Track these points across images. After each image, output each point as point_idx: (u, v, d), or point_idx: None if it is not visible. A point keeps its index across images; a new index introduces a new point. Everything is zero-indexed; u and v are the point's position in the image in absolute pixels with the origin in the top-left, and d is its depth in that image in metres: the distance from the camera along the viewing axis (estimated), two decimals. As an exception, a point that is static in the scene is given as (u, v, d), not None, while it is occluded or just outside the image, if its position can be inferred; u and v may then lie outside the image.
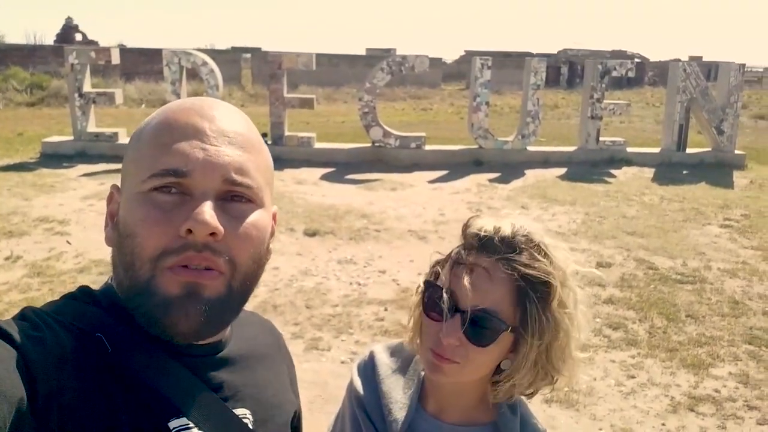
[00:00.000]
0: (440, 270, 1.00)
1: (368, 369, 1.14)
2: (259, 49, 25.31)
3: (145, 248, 0.69)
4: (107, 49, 10.93)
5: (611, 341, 4.36)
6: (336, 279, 5.33)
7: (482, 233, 0.96)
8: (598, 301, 5.01)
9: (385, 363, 1.14)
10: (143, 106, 18.54)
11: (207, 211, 0.68)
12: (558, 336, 0.95)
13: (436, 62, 28.89)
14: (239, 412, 0.79)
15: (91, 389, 0.66)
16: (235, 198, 0.73)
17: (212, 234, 0.68)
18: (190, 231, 0.68)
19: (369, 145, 10.84)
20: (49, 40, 31.36)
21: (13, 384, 0.60)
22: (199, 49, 13.37)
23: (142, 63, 21.22)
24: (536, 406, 3.55)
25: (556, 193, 8.69)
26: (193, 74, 11.04)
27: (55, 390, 0.63)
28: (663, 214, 7.74)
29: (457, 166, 10.37)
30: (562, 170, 10.28)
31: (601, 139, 11.24)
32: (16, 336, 0.64)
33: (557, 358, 0.97)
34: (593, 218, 7.47)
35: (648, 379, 3.88)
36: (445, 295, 0.94)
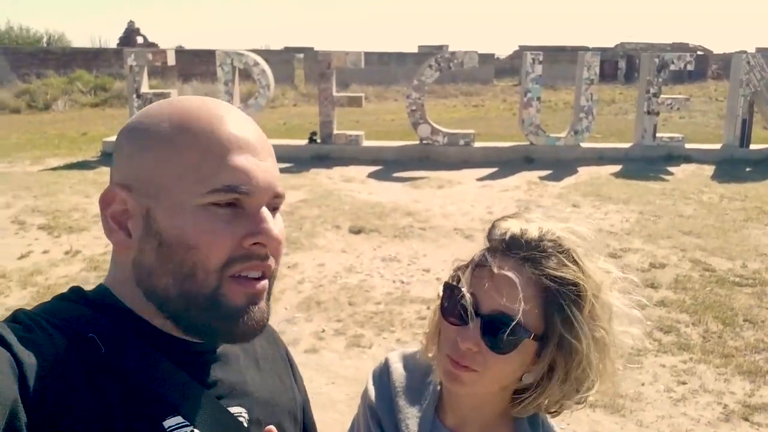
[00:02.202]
0: (461, 275, 0.94)
1: (383, 377, 1.11)
2: (312, 48, 25.59)
3: (211, 259, 0.71)
4: (163, 51, 11.28)
5: (662, 345, 4.20)
6: (380, 277, 5.33)
7: (508, 235, 0.91)
8: (650, 303, 4.84)
9: (400, 373, 1.09)
10: (199, 106, 19.02)
11: (273, 226, 0.73)
12: (588, 351, 0.88)
13: (488, 58, 28.58)
14: (234, 410, 0.79)
15: (85, 390, 0.67)
16: (269, 207, 0.76)
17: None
18: (258, 243, 0.72)
19: (417, 142, 10.80)
20: (113, 43, 32.64)
21: (6, 386, 0.60)
22: (254, 50, 13.62)
23: (198, 64, 21.81)
24: (579, 411, 3.47)
25: (610, 191, 8.44)
26: (246, 75, 11.25)
27: (48, 391, 0.64)
28: (723, 214, 7.41)
29: (507, 164, 10.21)
30: (617, 167, 9.98)
31: (658, 135, 10.85)
32: (9, 338, 0.65)
33: (586, 376, 0.89)
34: (648, 217, 7.22)
35: (700, 386, 3.72)
36: (467, 296, 0.89)
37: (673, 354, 4.10)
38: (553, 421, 1.04)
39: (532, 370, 0.92)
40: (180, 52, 20.22)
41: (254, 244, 0.72)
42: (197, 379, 0.76)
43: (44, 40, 37.04)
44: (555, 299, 0.87)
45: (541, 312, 0.88)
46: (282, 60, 25.15)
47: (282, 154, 10.44)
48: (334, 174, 9.35)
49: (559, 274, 0.87)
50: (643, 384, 3.72)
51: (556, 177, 9.38)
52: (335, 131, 10.75)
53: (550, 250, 0.89)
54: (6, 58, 23.29)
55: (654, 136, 10.80)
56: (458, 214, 7.33)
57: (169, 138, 0.73)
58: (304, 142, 10.93)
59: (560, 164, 10.16)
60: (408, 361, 1.11)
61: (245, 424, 0.80)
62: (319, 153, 10.55)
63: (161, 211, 0.72)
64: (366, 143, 10.83)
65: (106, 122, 15.76)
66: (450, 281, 0.96)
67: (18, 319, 0.70)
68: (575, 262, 0.89)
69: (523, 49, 26.82)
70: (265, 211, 0.73)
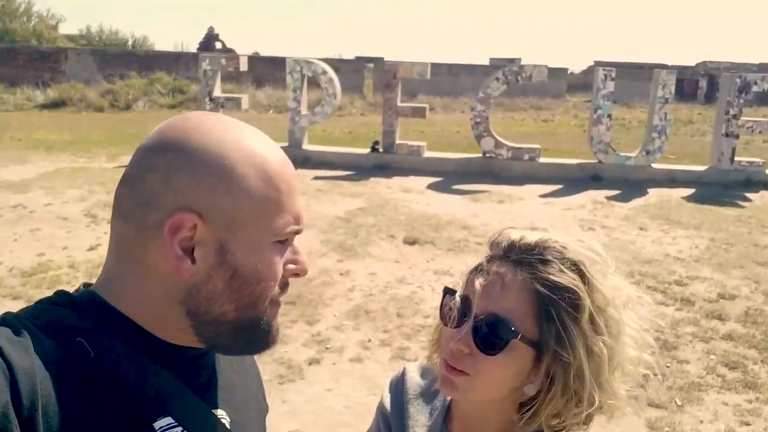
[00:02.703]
0: (456, 284, 0.96)
1: (399, 386, 1.13)
2: (382, 59, 25.82)
3: (271, 290, 0.78)
4: (236, 57, 11.64)
5: (725, 381, 3.95)
6: (431, 289, 5.27)
7: (506, 240, 0.92)
8: (715, 336, 4.57)
9: (415, 382, 1.11)
10: (271, 111, 19.55)
11: (306, 258, 0.81)
12: (581, 363, 0.86)
13: (560, 73, 27.99)
14: (217, 413, 0.81)
15: (75, 394, 0.67)
16: None
17: None
18: (296, 274, 0.81)
19: (480, 155, 10.67)
20: (194, 48, 34.00)
21: None
22: (327, 59, 13.86)
23: (272, 71, 22.36)
24: (628, 444, 3.30)
25: (680, 215, 8.06)
26: (315, 82, 11.45)
27: (38, 395, 0.64)
28: (804, 245, 6.93)
29: (573, 181, 9.94)
30: (690, 191, 9.53)
31: (736, 158, 10.29)
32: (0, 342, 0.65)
33: (583, 389, 0.87)
34: (719, 245, 6.83)
35: (765, 428, 3.46)
36: (457, 299, 0.91)
37: (738, 392, 3.84)
38: None
39: (533, 381, 0.91)
40: (254, 58, 20.82)
41: (293, 273, 0.81)
42: (185, 382, 0.77)
43: (130, 42, 39.05)
44: (548, 305, 0.86)
45: (534, 317, 0.87)
46: (353, 69, 25.49)
47: (344, 162, 10.58)
48: (394, 184, 9.35)
49: (553, 279, 0.87)
50: (701, 422, 3.51)
51: (623, 198, 9.04)
52: (397, 141, 10.76)
53: (549, 256, 0.89)
54: (94, 59, 24.69)
55: (732, 160, 10.25)
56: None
57: (243, 174, 0.74)
58: (367, 150, 11.00)
59: (629, 185, 9.80)
60: (425, 371, 1.13)
61: (228, 427, 0.81)
62: (380, 162, 10.59)
63: (238, 246, 0.75)
64: (427, 154, 10.79)
65: (180, 123, 16.36)
66: (446, 287, 0.98)
67: (6, 322, 0.70)
68: (580, 273, 0.88)
69: (599, 64, 26.13)
70: (298, 243, 0.81)
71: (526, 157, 10.54)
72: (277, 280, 0.78)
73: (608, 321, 0.88)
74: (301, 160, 10.63)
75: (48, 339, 0.69)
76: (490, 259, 0.93)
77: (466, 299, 0.91)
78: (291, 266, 0.80)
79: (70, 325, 0.72)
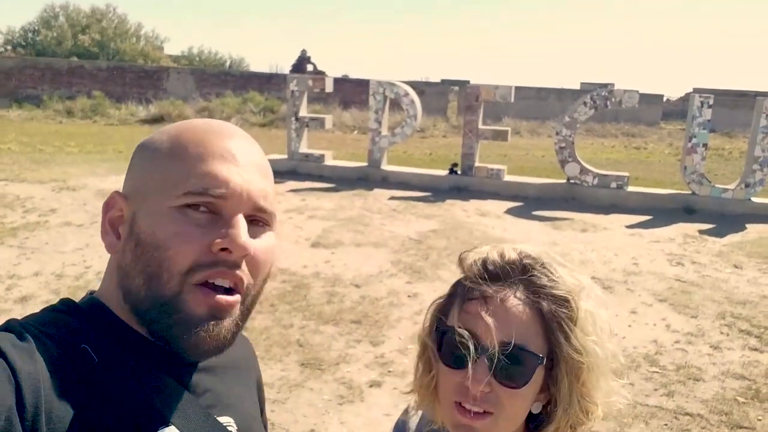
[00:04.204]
0: (444, 317, 0.88)
1: (401, 426, 1.09)
2: (468, 82, 25.77)
3: (176, 261, 0.72)
4: (323, 79, 11.92)
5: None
6: (501, 318, 5.09)
7: (488, 261, 0.87)
8: (818, 390, 4.11)
9: (417, 419, 1.06)
10: (355, 132, 19.89)
11: (244, 233, 0.73)
12: (589, 364, 0.84)
13: (655, 99, 26.88)
14: (223, 420, 0.80)
15: (78, 400, 0.68)
16: (254, 221, 0.77)
17: (245, 254, 0.74)
18: (225, 249, 0.72)
19: (563, 181, 10.33)
20: (287, 70, 35.31)
21: (2, 393, 0.61)
22: (412, 81, 13.97)
23: (358, 93, 22.81)
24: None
25: (782, 254, 7.42)
26: (397, 104, 11.53)
27: (42, 400, 0.65)
28: None
29: (663, 212, 9.40)
30: (795, 228, 8.78)
31: None
32: (3, 346, 0.66)
33: (594, 387, 0.85)
34: (827, 288, 6.22)
35: None
36: (464, 334, 0.82)
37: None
38: None
39: (538, 399, 0.87)
40: (341, 80, 21.37)
41: (222, 250, 0.72)
42: (188, 390, 0.77)
43: (227, 63, 41.13)
44: (553, 317, 0.83)
45: (543, 334, 0.84)
46: (438, 92, 25.59)
47: (421, 184, 10.54)
48: (470, 207, 9.19)
49: (550, 290, 0.84)
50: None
51: (718, 232, 8.45)
52: (476, 164, 10.61)
53: (537, 269, 0.86)
54: (193, 78, 26.13)
55: None
56: (599, 262, 6.83)
57: (162, 148, 0.77)
58: (445, 172, 10.92)
59: (725, 219, 9.15)
60: (427, 415, 1.06)
61: None
62: (458, 184, 10.47)
63: (143, 214, 0.74)
64: (507, 178, 10.56)
65: (269, 141, 16.92)
66: (436, 326, 0.89)
67: (11, 328, 0.71)
68: (558, 276, 0.86)
69: (697, 91, 24.88)
70: (239, 219, 0.73)
71: (614, 184, 10.09)
72: (186, 251, 0.71)
73: (586, 315, 0.86)
74: (379, 180, 10.70)
75: (52, 345, 0.70)
76: (477, 285, 0.85)
77: (468, 333, 0.82)
78: (218, 240, 0.72)
79: (73, 331, 0.73)
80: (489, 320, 0.81)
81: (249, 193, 0.75)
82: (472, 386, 0.81)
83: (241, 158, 0.76)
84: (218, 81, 26.00)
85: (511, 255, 0.87)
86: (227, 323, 0.74)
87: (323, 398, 3.80)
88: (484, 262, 0.88)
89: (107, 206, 0.79)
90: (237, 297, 0.75)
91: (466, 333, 0.83)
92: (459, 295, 0.88)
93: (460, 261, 0.92)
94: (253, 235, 0.76)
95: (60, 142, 14.31)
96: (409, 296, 5.44)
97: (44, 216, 7.57)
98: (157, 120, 20.26)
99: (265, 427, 0.98)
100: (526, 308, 0.83)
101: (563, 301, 0.84)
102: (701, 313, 5.41)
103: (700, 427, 3.63)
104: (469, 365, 0.81)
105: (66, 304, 0.78)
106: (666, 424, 3.63)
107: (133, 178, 0.79)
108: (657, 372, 4.30)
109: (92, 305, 0.78)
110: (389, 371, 4.19)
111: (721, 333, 5.02)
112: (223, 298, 0.73)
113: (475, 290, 0.85)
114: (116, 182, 9.76)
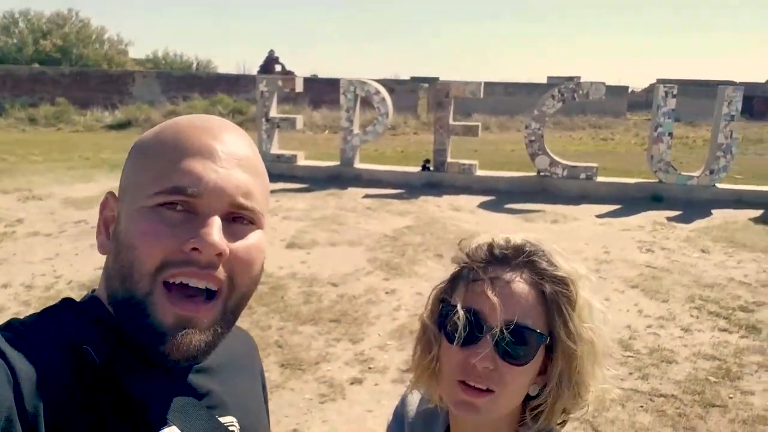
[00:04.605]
0: (450, 297, 0.90)
1: (399, 417, 1.10)
2: (437, 79, 25.89)
3: (145, 260, 0.70)
4: (292, 79, 11.88)
5: (795, 417, 3.66)
6: (478, 310, 5.14)
7: (494, 245, 0.91)
8: (784, 367, 4.25)
9: (414, 405, 1.08)
10: (326, 131, 19.83)
11: (215, 232, 0.70)
12: (584, 349, 0.87)
13: (621, 91, 27.33)
14: (226, 420, 0.79)
15: (79, 400, 0.67)
16: (238, 219, 0.75)
17: (218, 254, 0.70)
18: (195, 249, 0.69)
19: (534, 174, 10.46)
20: (255, 70, 35.03)
21: (1, 393, 0.61)
22: (382, 80, 13.98)
23: (328, 92, 22.73)
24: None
25: (746, 238, 7.63)
26: (368, 103, 11.54)
27: (42, 401, 0.64)
28: None
29: (631, 201, 9.60)
30: (757, 212, 9.03)
31: (811, 178, 9.71)
32: (2, 346, 0.66)
33: (588, 374, 0.89)
34: (790, 269, 6.42)
35: (840, 471, 3.18)
36: (461, 314, 0.85)
37: (809, 429, 3.54)
38: None
39: (536, 380, 0.90)
40: (311, 80, 21.27)
41: (193, 249, 0.69)
42: (189, 391, 0.76)
43: (194, 65, 40.63)
44: (554, 299, 0.86)
45: (544, 315, 0.86)
46: (408, 90, 25.66)
47: (394, 181, 10.57)
48: (443, 202, 9.25)
49: (555, 273, 0.87)
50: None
51: (685, 219, 8.65)
52: (449, 159, 10.69)
53: (540, 253, 0.89)
54: (159, 81, 25.77)
55: (806, 180, 9.67)
56: (570, 252, 6.75)
57: (143, 147, 0.77)
58: (417, 169, 10.97)
59: (692, 205, 9.38)
60: (424, 397, 1.09)
61: None
62: (430, 180, 10.53)
63: (123, 214, 0.74)
64: (479, 173, 10.66)
65: (238, 143, 16.82)
66: (441, 306, 0.92)
67: (11, 327, 0.70)
68: (556, 260, 0.89)
69: (661, 82, 25.37)
70: (213, 219, 0.71)
71: (583, 175, 10.26)
72: (156, 250, 0.69)
73: (584, 304, 0.89)
74: (352, 179, 10.70)
75: (53, 345, 0.69)
76: (483, 267, 0.88)
77: (473, 312, 0.85)
78: (189, 239, 0.69)
79: (75, 332, 0.72)
80: (495, 299, 0.84)
81: (225, 190, 0.72)
82: (478, 363, 0.83)
83: (222, 154, 0.73)
84: (185, 84, 25.68)
85: (516, 240, 0.91)
86: (199, 334, 0.71)
87: (305, 398, 3.80)
88: (490, 246, 0.91)
89: (102, 207, 0.80)
90: (211, 303, 0.72)
91: (472, 311, 0.86)
92: (464, 277, 0.90)
93: (461, 248, 0.94)
94: (236, 233, 0.73)
95: (24, 151, 13.99)
96: (386, 293, 5.46)
97: (11, 227, 7.40)
98: (123, 125, 19.94)
99: (268, 421, 0.98)
100: (530, 289, 0.86)
101: (564, 284, 0.87)
102: (672, 298, 5.54)
103: (675, 407, 3.73)
104: (476, 343, 0.84)
105: (67, 304, 0.77)
106: (642, 406, 3.72)
107: (122, 178, 0.78)
108: (631, 356, 4.39)
109: (92, 305, 0.77)
110: (370, 368, 4.21)
111: (691, 316, 5.15)
112: (195, 305, 0.71)
113: (481, 272, 0.88)
114: (83, 190, 9.61)
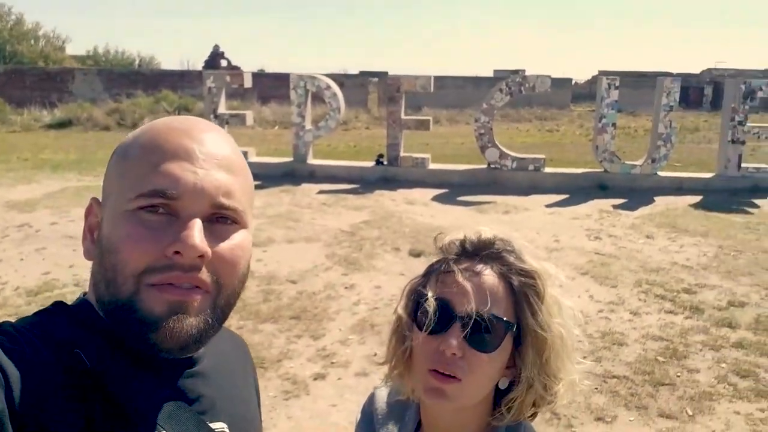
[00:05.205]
0: (422, 288, 0.94)
1: (368, 412, 1.12)
2: (386, 73, 25.95)
3: (127, 264, 0.70)
4: (240, 74, 11.72)
5: (737, 390, 3.88)
6: (436, 302, 5.23)
7: (465, 239, 0.95)
8: (726, 344, 4.50)
9: (382, 401, 1.10)
10: (276, 127, 19.64)
11: (196, 234, 0.69)
12: (552, 342, 0.90)
13: (565, 83, 28.03)
14: (216, 425, 0.79)
15: (70, 404, 0.67)
16: (221, 219, 0.74)
17: (200, 256, 0.70)
18: (177, 252, 0.69)
19: (485, 166, 10.65)
20: (200, 66, 34.28)
21: None
22: (331, 74, 13.96)
23: (276, 87, 22.50)
24: (638, 457, 3.24)
25: (688, 223, 8.00)
26: (319, 98, 11.50)
27: (33, 403, 0.64)
28: (815, 251, 6.84)
29: (578, 191, 9.90)
30: (696, 198, 9.46)
31: (743, 165, 10.22)
32: None
33: (557, 368, 0.92)
34: (728, 252, 6.76)
35: (779, 439, 3.39)
36: (432, 302, 0.89)
37: (750, 401, 3.77)
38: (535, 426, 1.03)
39: (506, 374, 0.93)
40: (259, 75, 21.00)
41: (176, 253, 0.69)
42: (180, 395, 0.76)
43: (136, 62, 39.46)
44: (522, 291, 0.90)
45: (512, 307, 0.90)
46: (357, 84, 25.65)
47: (349, 176, 10.59)
48: (398, 196, 9.33)
49: (521, 266, 0.91)
50: (713, 432, 3.44)
51: (630, 206, 8.99)
52: (402, 154, 10.77)
53: (509, 248, 0.94)
54: (101, 79, 24.95)
55: (739, 167, 10.18)
56: (523, 241, 7.11)
57: (122, 151, 0.77)
58: (371, 164, 11.01)
59: (635, 193, 9.75)
60: (392, 390, 1.11)
61: None
62: (385, 175, 10.59)
63: (105, 219, 0.74)
64: (432, 166, 10.79)
65: (186, 141, 16.46)
66: (414, 297, 0.96)
67: (3, 330, 0.70)
68: (524, 256, 0.94)
69: (603, 74, 26.16)
70: (194, 221, 0.71)
71: (531, 167, 10.51)
72: (138, 255, 0.69)
73: (552, 300, 0.92)
74: (306, 175, 10.66)
75: (44, 348, 0.69)
76: (454, 259, 0.93)
77: (443, 301, 0.89)
78: (171, 243, 0.69)
79: (66, 335, 0.72)
80: (464, 289, 0.89)
81: (205, 191, 0.71)
82: (447, 349, 0.87)
83: (200, 154, 0.73)
84: (128, 81, 24.95)
85: (487, 235, 0.95)
86: (192, 319, 0.71)
87: (269, 395, 3.80)
88: (462, 242, 0.95)
89: (86, 213, 0.80)
90: (200, 291, 0.72)
91: (442, 300, 0.90)
92: (436, 270, 0.94)
93: (437, 241, 0.99)
94: (219, 234, 0.73)
95: (-43, 153, 13.34)
96: (346, 288, 5.49)
97: (-51, 232, 7.07)
98: (64, 124, 19.23)
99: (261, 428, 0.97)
100: (499, 281, 0.90)
101: (531, 278, 0.91)
102: (620, 283, 5.77)
103: (627, 387, 3.90)
104: (446, 331, 0.88)
105: (59, 308, 0.77)
106: (596, 388, 3.87)
107: (104, 183, 0.78)
108: (583, 341, 4.56)
109: (84, 308, 0.77)
110: (332, 363, 4.23)
111: (639, 300, 5.37)
112: (181, 291, 0.70)
113: (452, 264, 0.92)
114: (25, 192, 9.25)
